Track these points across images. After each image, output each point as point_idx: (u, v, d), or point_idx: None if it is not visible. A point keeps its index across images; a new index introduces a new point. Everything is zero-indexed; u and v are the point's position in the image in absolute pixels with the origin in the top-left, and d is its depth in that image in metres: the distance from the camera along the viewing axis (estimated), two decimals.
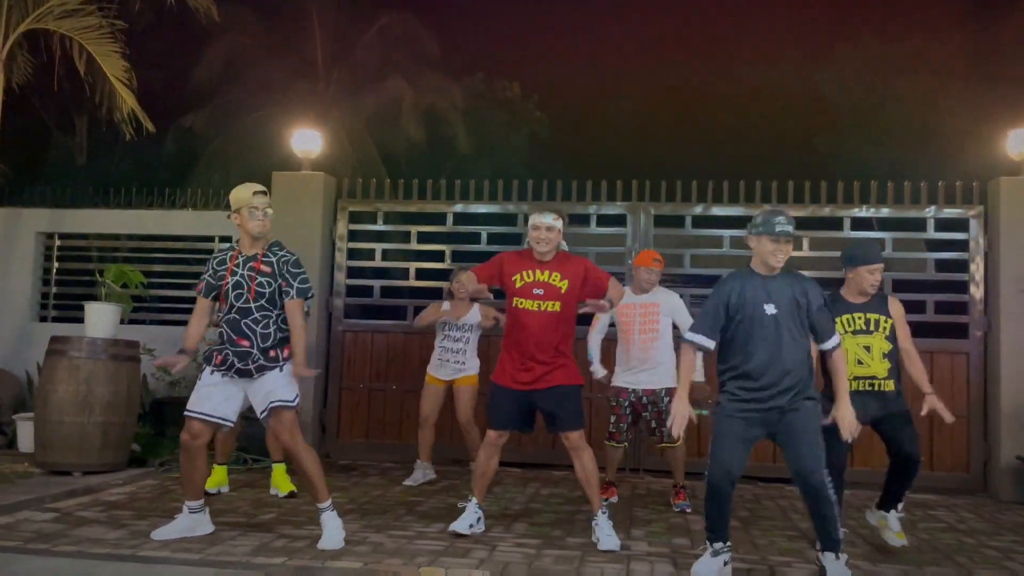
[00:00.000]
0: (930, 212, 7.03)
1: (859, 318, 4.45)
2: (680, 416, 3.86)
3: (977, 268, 6.87)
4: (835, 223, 7.21)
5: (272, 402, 4.23)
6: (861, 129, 12.76)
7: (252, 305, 4.24)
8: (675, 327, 5.58)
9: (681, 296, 5.75)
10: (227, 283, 4.27)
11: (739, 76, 15.06)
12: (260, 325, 4.24)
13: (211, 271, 4.38)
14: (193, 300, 7.72)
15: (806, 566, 4.16)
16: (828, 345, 3.93)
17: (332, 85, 16.05)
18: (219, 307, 4.42)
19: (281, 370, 4.27)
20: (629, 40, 18.14)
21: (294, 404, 4.30)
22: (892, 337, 4.44)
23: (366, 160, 14.31)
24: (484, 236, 7.55)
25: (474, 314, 6.23)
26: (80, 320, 6.51)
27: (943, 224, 7.07)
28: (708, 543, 3.88)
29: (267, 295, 4.25)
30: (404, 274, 7.83)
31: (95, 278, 7.10)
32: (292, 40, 15.94)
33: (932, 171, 7.78)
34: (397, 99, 15.83)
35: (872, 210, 7.12)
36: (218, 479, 5.63)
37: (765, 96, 14.40)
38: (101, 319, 6.31)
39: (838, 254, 7.04)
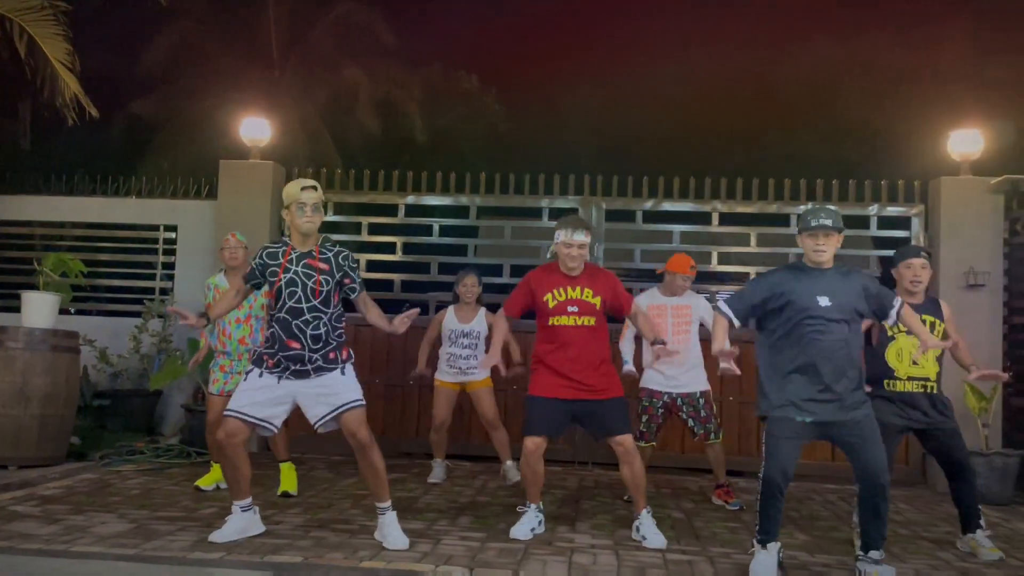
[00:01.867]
0: (874, 210, 7.18)
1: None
2: (726, 354, 3.88)
3: None
4: (782, 219, 7.32)
5: (342, 406, 4.08)
6: (810, 128, 12.98)
7: (304, 306, 4.07)
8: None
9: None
10: (280, 280, 4.10)
11: (691, 75, 15.20)
12: (311, 327, 4.07)
13: (260, 261, 4.18)
14: (140, 290, 7.73)
15: (746, 557, 4.22)
16: (894, 315, 3.97)
17: (286, 73, 15.83)
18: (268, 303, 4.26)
19: (343, 372, 4.15)
20: (586, 37, 18.19)
21: (363, 402, 4.17)
22: (944, 340, 4.46)
23: (320, 150, 14.14)
24: (436, 228, 7.52)
25: (480, 320, 6.01)
26: (18, 310, 6.33)
27: (886, 222, 7.23)
28: (760, 544, 3.83)
29: (324, 294, 4.11)
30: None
31: (35, 267, 6.91)
32: (245, 26, 15.68)
33: (878, 170, 7.93)
34: (352, 89, 15.68)
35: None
36: (217, 476, 5.47)
37: (717, 95, 14.56)
38: (39, 309, 6.14)
39: (785, 251, 7.27)
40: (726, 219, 7.37)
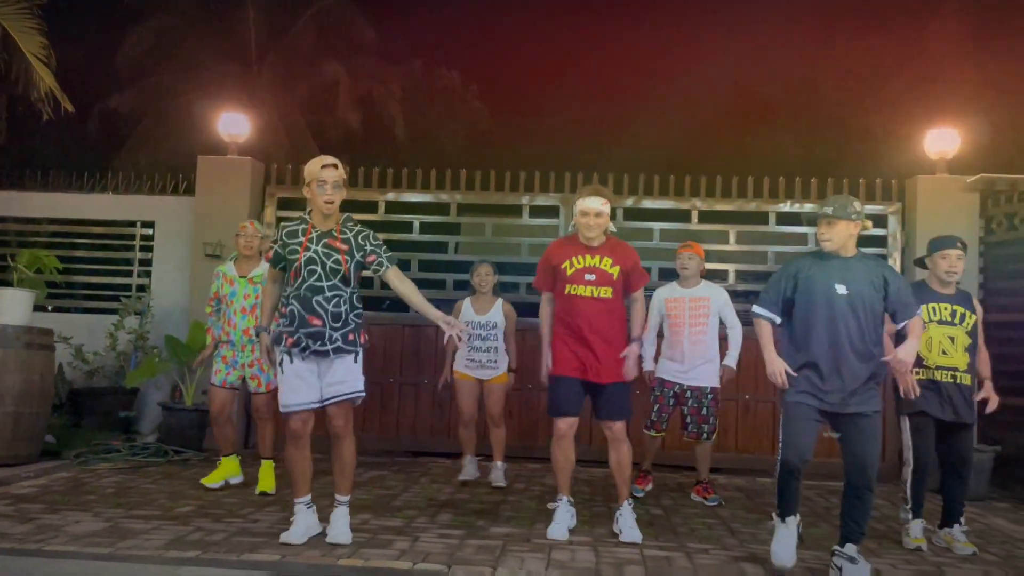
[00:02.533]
0: None
1: (945, 308, 4.52)
2: (779, 371, 3.89)
3: (895, 263, 7.09)
4: (761, 217, 7.36)
5: (348, 393, 4.08)
6: (789, 128, 13.07)
7: (325, 284, 4.05)
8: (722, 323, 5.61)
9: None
10: (300, 258, 4.06)
11: (672, 74, 15.26)
12: (331, 304, 4.05)
13: (281, 242, 4.14)
14: (117, 287, 7.64)
15: (722, 552, 4.24)
16: (905, 321, 3.96)
17: (265, 69, 15.70)
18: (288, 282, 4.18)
19: (356, 359, 4.13)
20: (569, 36, 18.18)
21: (363, 392, 4.17)
22: (973, 333, 4.53)
23: (300, 147, 14.05)
24: (416, 225, 7.50)
25: (497, 311, 5.83)
26: None
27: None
28: (779, 519, 3.91)
29: (342, 272, 4.08)
30: None
31: (9, 263, 6.82)
32: (224, 21, 15.53)
33: (857, 169, 7.99)
34: (333, 85, 15.58)
35: (796, 205, 7.29)
36: (226, 472, 5.45)
37: (696, 94, 14.62)
38: (13, 306, 6.07)
39: (764, 248, 7.32)
40: (705, 217, 7.40)
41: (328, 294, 4.06)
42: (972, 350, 4.56)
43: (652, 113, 15.07)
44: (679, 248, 5.71)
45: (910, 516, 4.57)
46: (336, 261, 4.07)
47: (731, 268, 7.27)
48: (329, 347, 4.06)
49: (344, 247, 4.11)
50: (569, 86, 16.95)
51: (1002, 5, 11.62)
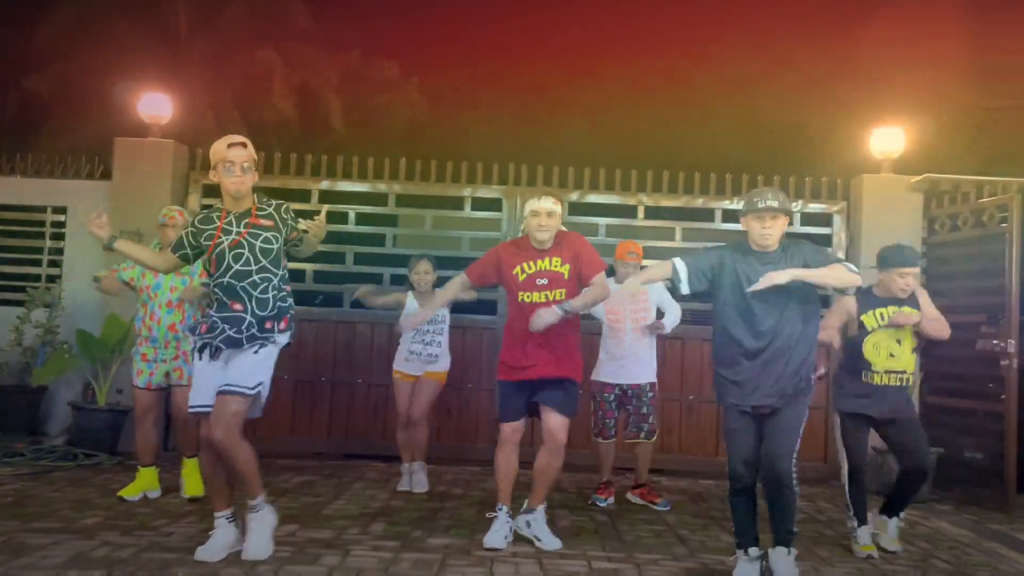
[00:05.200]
0: (796, 207, 7.14)
1: (887, 311, 4.34)
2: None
3: None
4: (707, 214, 7.22)
5: (233, 387, 3.63)
6: (735, 126, 13.06)
7: (253, 267, 3.70)
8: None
9: None
10: (216, 243, 3.68)
11: (617, 69, 15.13)
12: (258, 289, 3.71)
13: (192, 229, 3.79)
14: (24, 277, 7.05)
15: (673, 563, 4.04)
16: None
17: (195, 54, 15.06)
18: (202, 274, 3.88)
19: (258, 352, 3.72)
20: (512, 30, 17.95)
21: (250, 393, 3.67)
22: (918, 332, 4.39)
23: (231, 134, 13.49)
24: (352, 216, 7.13)
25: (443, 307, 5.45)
26: None
27: (808, 219, 7.20)
28: (740, 549, 3.72)
29: (274, 252, 3.74)
30: None
31: None
32: (150, 2, 14.84)
33: (801, 167, 7.92)
34: (266, 72, 15.04)
35: (741, 203, 7.16)
36: (144, 484, 4.97)
37: (642, 90, 14.52)
38: None
39: (709, 244, 7.16)
40: (651, 213, 7.22)
41: (256, 278, 3.72)
42: (918, 350, 4.50)
43: (597, 109, 14.95)
44: (619, 251, 5.46)
45: (855, 524, 4.45)
46: (266, 240, 3.75)
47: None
48: (244, 335, 3.70)
49: (269, 222, 3.79)
50: (514, 80, 16.72)
51: (947, 4, 11.80)
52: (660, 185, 7.19)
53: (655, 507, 5.33)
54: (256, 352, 3.73)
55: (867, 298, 4.40)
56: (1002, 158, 10.31)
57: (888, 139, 6.99)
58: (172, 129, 7.20)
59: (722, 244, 3.98)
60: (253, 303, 3.71)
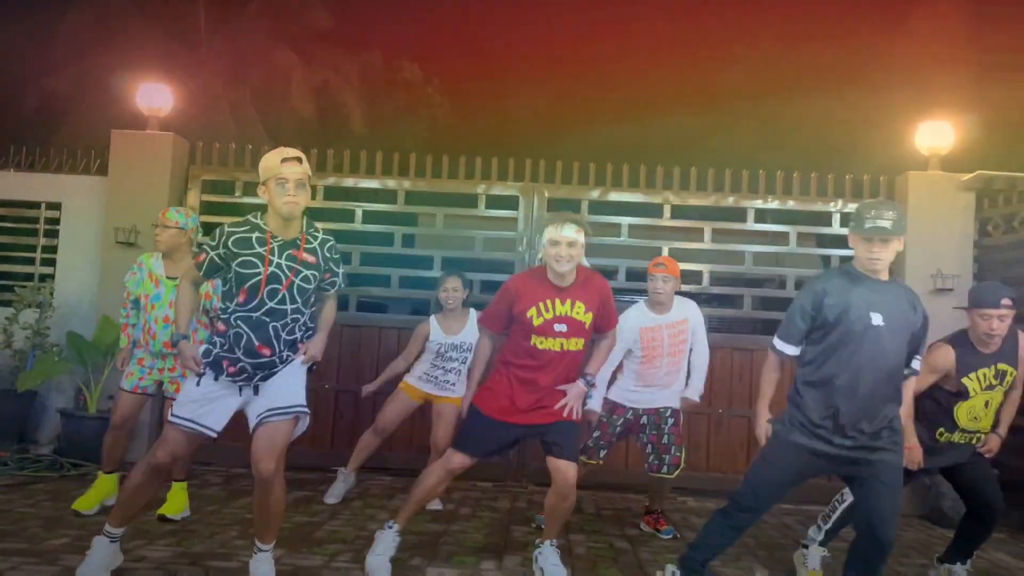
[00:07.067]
0: (836, 206, 6.64)
1: (990, 372, 3.84)
2: (761, 430, 3.38)
3: None
4: (739, 214, 6.72)
5: (286, 408, 3.26)
6: (772, 120, 12.57)
7: (288, 307, 3.28)
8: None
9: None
10: (256, 275, 3.22)
11: (646, 65, 14.72)
12: (286, 331, 3.30)
13: (223, 248, 3.27)
14: (16, 276, 6.73)
15: None
16: (907, 371, 3.36)
17: (215, 54, 14.85)
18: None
19: (288, 366, 3.36)
20: (535, 31, 17.60)
21: (305, 408, 3.31)
22: (1008, 389, 3.94)
23: (250, 135, 13.22)
24: (359, 214, 6.73)
25: (471, 328, 5.03)
26: None
27: (849, 219, 6.67)
28: (683, 568, 3.38)
29: (308, 292, 3.33)
30: None
31: None
32: (170, 2, 14.66)
33: (843, 164, 7.41)
34: (286, 72, 14.80)
35: (777, 202, 6.68)
36: (103, 493, 4.65)
37: (673, 87, 14.09)
38: None
39: (740, 248, 6.69)
40: (678, 212, 6.73)
41: (288, 319, 3.29)
42: (1001, 406, 3.97)
43: (624, 105, 14.52)
44: (651, 267, 4.77)
45: (818, 539, 4.01)
46: (305, 279, 3.30)
47: (705, 269, 6.61)
48: (274, 370, 3.33)
49: (312, 260, 3.34)
50: (536, 79, 16.37)
51: None
52: (688, 182, 6.71)
53: (660, 535, 4.80)
54: (287, 367, 3.36)
55: (966, 353, 3.83)
56: None
57: (936, 134, 6.47)
58: (187, 128, 6.81)
59: (819, 276, 3.49)
60: (281, 344, 3.30)
